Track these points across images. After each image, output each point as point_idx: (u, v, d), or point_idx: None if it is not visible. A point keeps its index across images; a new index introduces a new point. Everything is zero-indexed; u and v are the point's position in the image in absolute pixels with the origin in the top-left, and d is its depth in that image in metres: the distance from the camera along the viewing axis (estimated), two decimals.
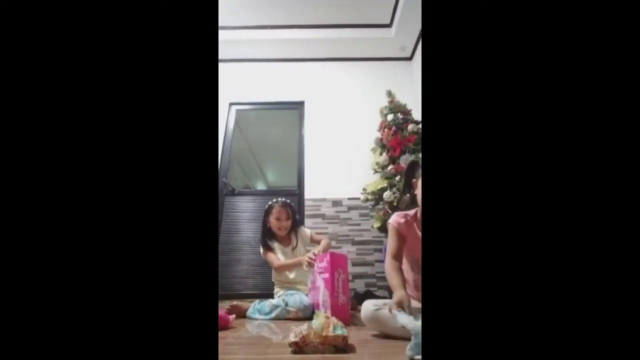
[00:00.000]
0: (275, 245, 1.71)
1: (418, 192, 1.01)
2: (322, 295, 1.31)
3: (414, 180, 1.05)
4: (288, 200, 1.80)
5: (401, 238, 1.01)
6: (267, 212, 1.75)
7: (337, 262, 1.31)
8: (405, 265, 1.05)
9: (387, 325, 0.86)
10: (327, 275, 1.29)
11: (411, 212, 1.06)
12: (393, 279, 0.92)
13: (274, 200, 1.78)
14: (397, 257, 0.99)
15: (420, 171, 1.04)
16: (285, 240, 1.74)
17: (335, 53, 3.18)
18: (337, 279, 1.28)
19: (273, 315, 1.42)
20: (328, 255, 1.32)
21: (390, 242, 1.02)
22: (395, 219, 1.04)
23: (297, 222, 1.79)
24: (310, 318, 1.24)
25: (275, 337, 0.99)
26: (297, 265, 1.61)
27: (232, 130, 2.99)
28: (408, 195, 1.12)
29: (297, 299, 1.44)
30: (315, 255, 1.45)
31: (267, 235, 1.73)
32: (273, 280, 1.71)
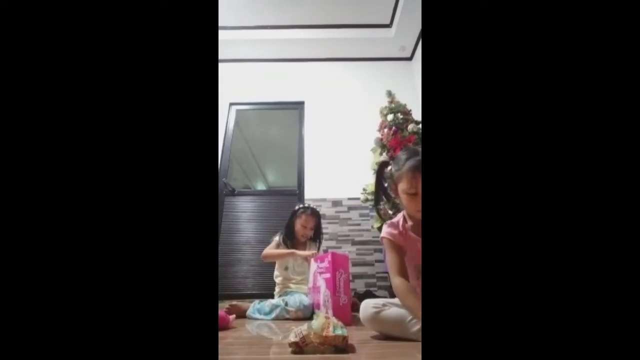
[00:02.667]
0: (293, 248, 1.72)
1: (401, 195, 0.91)
2: (324, 295, 1.31)
3: (390, 183, 0.96)
4: (317, 209, 1.81)
5: (400, 250, 0.93)
6: (296, 215, 1.76)
7: (338, 263, 1.31)
8: (410, 274, 0.97)
9: (387, 326, 0.86)
10: (328, 275, 1.29)
11: (399, 218, 0.97)
12: (411, 303, 0.81)
13: (306, 205, 1.78)
14: (405, 273, 0.89)
15: (391, 171, 0.94)
16: (301, 247, 1.75)
17: (335, 53, 3.18)
18: (338, 279, 1.28)
19: (273, 315, 1.42)
20: (330, 256, 1.32)
21: (391, 258, 0.93)
22: (388, 230, 0.95)
23: (319, 232, 1.81)
24: (310, 318, 1.25)
25: (275, 337, 0.99)
26: (286, 257, 1.65)
27: (232, 130, 3.00)
28: (384, 200, 1.02)
29: (297, 299, 1.44)
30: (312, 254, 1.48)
31: (289, 236, 1.75)
32: (274, 278, 1.72)
